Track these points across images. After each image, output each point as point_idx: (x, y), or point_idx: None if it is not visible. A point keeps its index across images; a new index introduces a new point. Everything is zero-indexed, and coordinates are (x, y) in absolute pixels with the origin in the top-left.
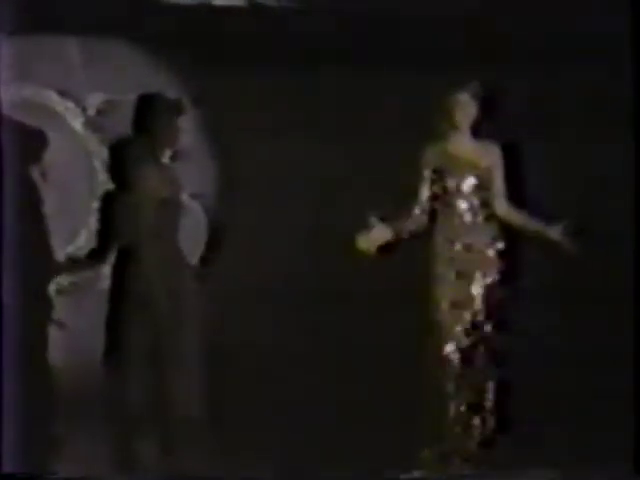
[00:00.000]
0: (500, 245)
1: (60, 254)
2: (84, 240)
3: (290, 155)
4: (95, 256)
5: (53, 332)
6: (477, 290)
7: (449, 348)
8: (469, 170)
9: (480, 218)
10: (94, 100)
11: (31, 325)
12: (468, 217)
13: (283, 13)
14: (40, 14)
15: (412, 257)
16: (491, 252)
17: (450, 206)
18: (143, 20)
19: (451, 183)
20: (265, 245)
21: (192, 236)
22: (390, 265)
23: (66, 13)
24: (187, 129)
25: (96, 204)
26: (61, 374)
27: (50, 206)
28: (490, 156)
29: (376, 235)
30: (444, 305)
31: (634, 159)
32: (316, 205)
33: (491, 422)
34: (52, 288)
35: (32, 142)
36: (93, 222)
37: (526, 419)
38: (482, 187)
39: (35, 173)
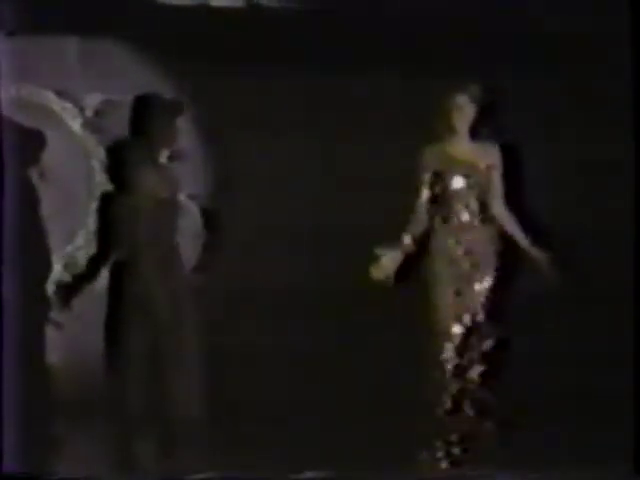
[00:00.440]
0: (499, 246)
1: (58, 254)
2: (82, 240)
3: (289, 155)
4: (94, 257)
5: (52, 333)
6: (476, 291)
7: (448, 348)
8: (468, 172)
9: (479, 219)
10: (92, 101)
11: (30, 326)
12: (467, 218)
13: (281, 14)
14: (39, 14)
15: (412, 257)
16: (490, 253)
17: (449, 208)
18: (141, 21)
19: (450, 185)
20: (264, 245)
21: (190, 236)
22: None
23: (64, 14)
24: (185, 130)
25: (94, 204)
26: (60, 375)
27: (48, 206)
28: (489, 157)
29: (388, 263)
30: (443, 306)
31: (634, 159)
32: (315, 205)
33: (490, 422)
34: (50, 288)
35: (30, 142)
36: (91, 223)
37: (526, 419)
38: (481, 189)
39: (33, 174)
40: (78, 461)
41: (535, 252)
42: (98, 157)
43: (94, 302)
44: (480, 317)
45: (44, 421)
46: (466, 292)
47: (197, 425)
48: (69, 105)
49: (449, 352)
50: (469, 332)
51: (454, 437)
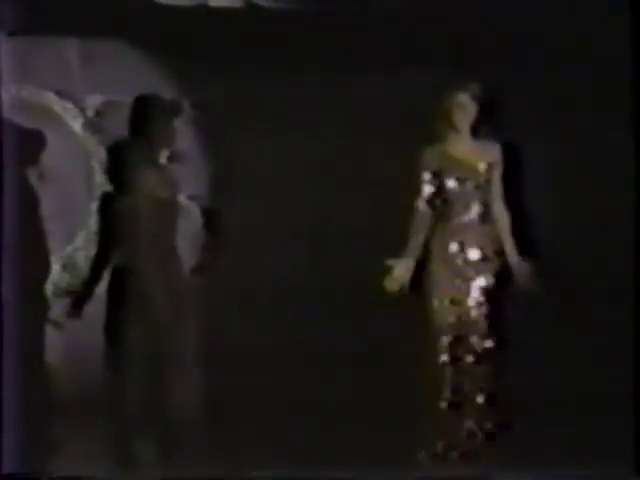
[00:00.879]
0: (499, 246)
1: (58, 255)
2: (82, 241)
3: (288, 156)
4: (95, 258)
5: (51, 333)
6: (475, 291)
7: (447, 348)
8: (468, 171)
9: (478, 219)
10: (93, 101)
11: (29, 326)
12: (466, 218)
13: (280, 14)
14: (39, 15)
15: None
16: (489, 253)
17: (449, 207)
18: (141, 21)
19: (450, 184)
20: (264, 245)
21: (190, 237)
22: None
23: (65, 14)
24: (185, 130)
25: (94, 205)
26: (60, 375)
27: (48, 207)
28: (490, 156)
29: (401, 272)
30: (441, 306)
31: (634, 159)
32: (315, 205)
33: (489, 422)
34: (49, 289)
35: (31, 143)
36: (91, 223)
37: (526, 419)
38: (481, 188)
39: (33, 174)
40: (78, 461)
41: (515, 260)
42: (98, 158)
43: (94, 302)
44: (479, 317)
45: (44, 421)
46: (466, 292)
47: (197, 425)
48: (70, 105)
49: (449, 352)
50: (469, 332)
51: (454, 437)
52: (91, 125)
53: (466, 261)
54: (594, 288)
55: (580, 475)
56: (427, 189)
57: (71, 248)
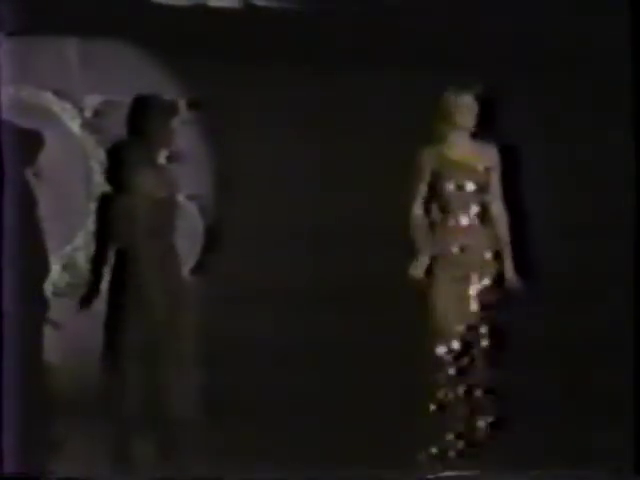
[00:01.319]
0: (497, 247)
1: (57, 255)
2: (81, 241)
3: (288, 155)
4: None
5: (51, 333)
6: (473, 292)
7: (444, 349)
8: (467, 172)
9: (477, 220)
10: (91, 101)
11: (29, 326)
12: (465, 219)
13: (278, 14)
14: (38, 15)
15: (410, 258)
16: (488, 254)
17: (447, 208)
18: (140, 21)
19: (448, 185)
20: (263, 245)
21: (189, 237)
22: (390, 265)
23: (63, 14)
24: (184, 130)
25: (93, 205)
26: (59, 375)
27: (47, 207)
28: (488, 158)
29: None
30: (440, 306)
31: (634, 159)
32: (315, 206)
33: (489, 422)
34: (49, 289)
35: (30, 143)
36: (90, 223)
37: (525, 419)
38: (480, 189)
39: (30, 174)
40: (77, 461)
41: (509, 272)
42: (97, 158)
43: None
44: (479, 318)
45: (44, 421)
46: (465, 293)
47: (196, 425)
48: (68, 106)
49: (448, 352)
50: (468, 332)
51: (454, 437)
52: (90, 125)
53: (465, 262)
54: (594, 288)
55: (580, 475)
56: (425, 190)
57: (71, 248)
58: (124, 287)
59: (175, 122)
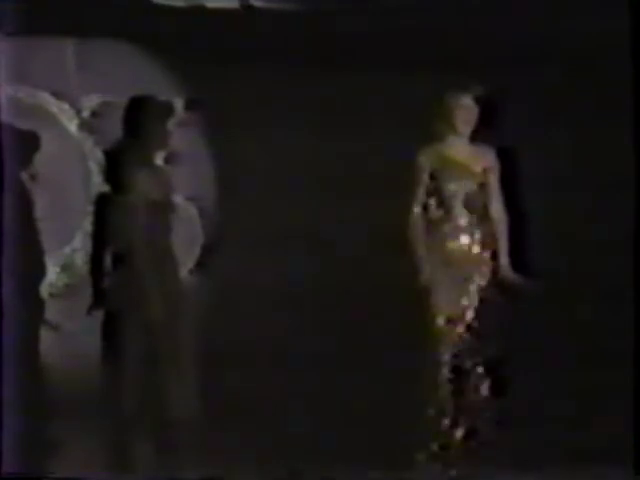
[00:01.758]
0: (495, 247)
1: (56, 256)
2: (79, 242)
3: (287, 155)
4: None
5: (48, 335)
6: (472, 292)
7: (446, 349)
8: (465, 173)
9: (475, 221)
10: (89, 102)
11: (28, 328)
12: (463, 220)
13: (277, 15)
14: (35, 16)
15: (410, 258)
16: (486, 254)
17: (445, 208)
18: (138, 22)
19: (447, 186)
20: (261, 246)
21: (188, 238)
22: (389, 265)
23: (61, 15)
24: (182, 131)
25: (91, 206)
26: (58, 376)
27: (45, 208)
28: (486, 159)
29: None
30: (439, 306)
31: (634, 159)
32: (314, 206)
33: (489, 422)
34: (46, 291)
35: (27, 144)
36: (88, 224)
37: (525, 419)
38: (478, 190)
39: (26, 175)
40: (77, 461)
41: (506, 269)
42: (95, 158)
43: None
44: (478, 317)
45: (43, 422)
46: (464, 293)
47: (195, 425)
48: (66, 106)
49: (447, 353)
50: (467, 332)
51: (454, 437)
52: (87, 126)
53: (464, 262)
54: (594, 288)
55: (580, 475)
56: (424, 190)
57: (69, 249)
58: (122, 288)
59: (172, 123)
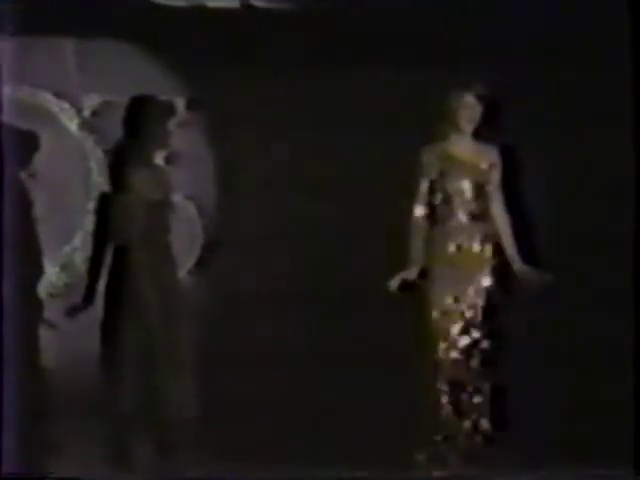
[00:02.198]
0: (497, 246)
1: (55, 255)
2: (79, 242)
3: (287, 156)
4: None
5: (47, 334)
6: (473, 290)
7: (446, 349)
8: (468, 172)
9: (477, 219)
10: (90, 101)
11: (28, 328)
12: (465, 218)
13: (277, 14)
14: (36, 15)
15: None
16: (488, 253)
17: (448, 207)
18: (139, 22)
19: (450, 184)
20: (260, 247)
21: (187, 237)
22: (390, 265)
23: (61, 15)
24: (182, 131)
25: (91, 205)
26: (58, 376)
27: (45, 207)
28: (489, 158)
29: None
30: (440, 305)
31: (634, 159)
32: (314, 206)
33: (487, 423)
34: (45, 290)
35: (28, 143)
36: (89, 223)
37: (525, 419)
38: (480, 189)
39: (26, 174)
40: (77, 461)
41: (517, 262)
42: (95, 158)
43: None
44: (478, 317)
45: (43, 422)
46: (465, 292)
47: (195, 426)
48: (67, 106)
49: (448, 352)
50: (467, 332)
51: (453, 437)
52: (88, 125)
53: (465, 261)
54: (594, 288)
55: (580, 475)
56: (426, 189)
57: (69, 248)
58: (121, 287)
59: (172, 123)
